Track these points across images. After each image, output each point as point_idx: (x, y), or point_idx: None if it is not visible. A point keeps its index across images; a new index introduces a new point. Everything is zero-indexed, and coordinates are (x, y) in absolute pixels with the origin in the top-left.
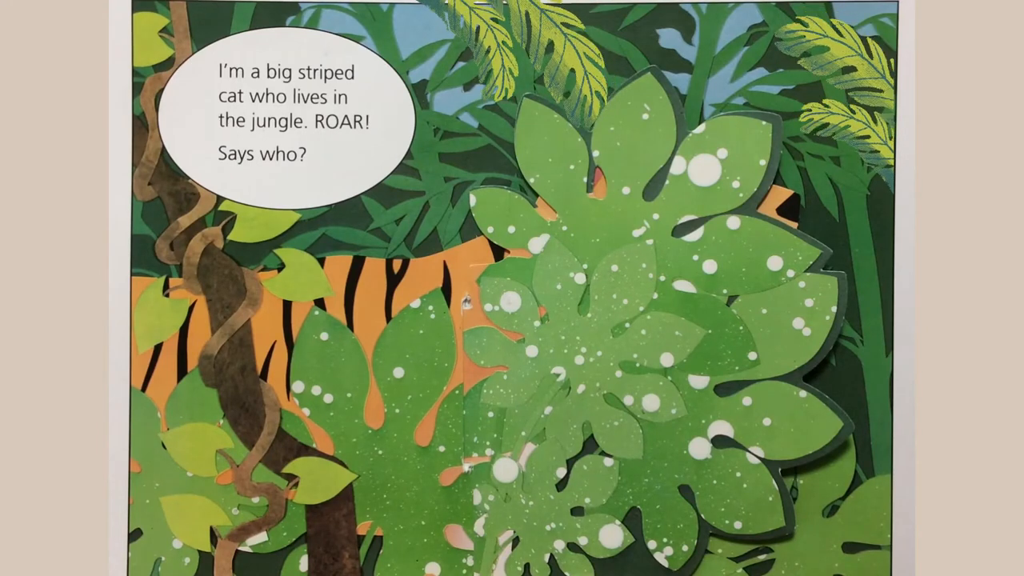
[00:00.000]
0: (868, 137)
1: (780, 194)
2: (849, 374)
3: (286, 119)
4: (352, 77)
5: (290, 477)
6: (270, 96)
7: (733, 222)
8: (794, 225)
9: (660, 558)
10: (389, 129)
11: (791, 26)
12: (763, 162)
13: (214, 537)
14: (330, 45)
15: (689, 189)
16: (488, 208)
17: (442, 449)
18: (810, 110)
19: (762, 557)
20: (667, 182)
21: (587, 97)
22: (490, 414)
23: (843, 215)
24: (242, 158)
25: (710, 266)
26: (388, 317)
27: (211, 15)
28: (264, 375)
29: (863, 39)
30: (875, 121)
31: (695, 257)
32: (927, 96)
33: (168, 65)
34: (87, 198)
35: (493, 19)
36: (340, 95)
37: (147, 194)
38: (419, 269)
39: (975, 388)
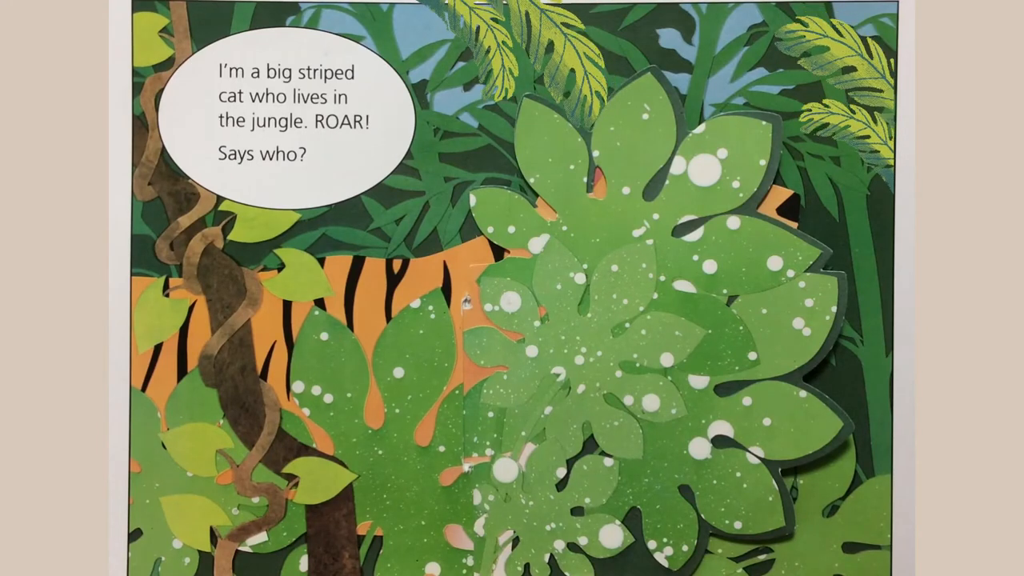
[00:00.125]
0: (868, 137)
1: (780, 194)
2: (849, 374)
3: (286, 119)
4: (352, 77)
5: (290, 477)
6: (270, 96)
7: (733, 222)
8: (794, 225)
9: (660, 558)
10: (389, 129)
11: (791, 26)
12: (763, 162)
13: (214, 537)
14: (330, 45)
15: (689, 189)
16: (488, 208)
17: (442, 449)
18: (810, 110)
19: (762, 557)
20: (667, 182)
21: (587, 97)
22: (490, 414)
23: (843, 215)
24: (242, 158)
25: (710, 266)
26: (388, 317)
27: (211, 15)
28: (264, 375)
29: (863, 39)
30: (875, 121)
31: (695, 257)
32: (927, 96)
33: (168, 65)
34: (87, 198)
35: (493, 19)
36: (340, 95)
37: (147, 194)
38: (419, 269)
39: (975, 388)
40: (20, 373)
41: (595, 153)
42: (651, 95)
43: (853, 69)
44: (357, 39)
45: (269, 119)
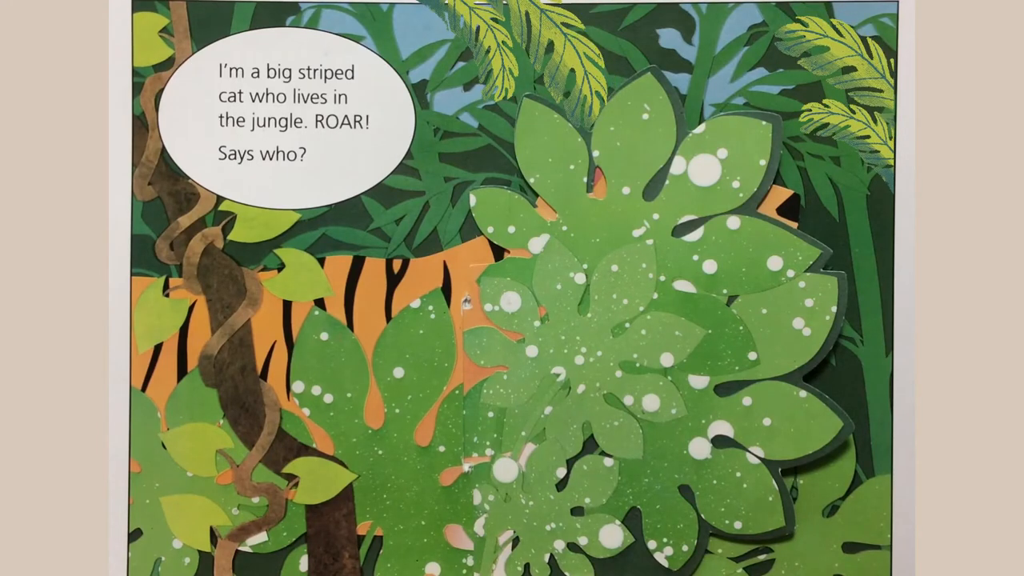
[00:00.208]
0: (868, 137)
1: (780, 194)
2: (849, 374)
3: (286, 119)
4: (352, 77)
5: (290, 477)
6: (270, 96)
7: (733, 222)
8: (794, 225)
9: (660, 558)
10: (389, 129)
11: (791, 26)
12: (763, 162)
13: (214, 537)
14: (330, 45)
15: (689, 189)
16: (488, 208)
17: (442, 449)
18: (810, 110)
19: (762, 557)
20: (667, 182)
21: (587, 97)
22: (490, 414)
23: (843, 215)
24: (242, 158)
25: (710, 266)
26: (388, 317)
27: (211, 15)
28: (264, 375)
29: (863, 39)
30: (875, 121)
31: (695, 257)
32: (927, 96)
33: (168, 65)
34: (87, 198)
35: (493, 19)
36: (340, 95)
37: (147, 194)
38: (419, 269)
39: (975, 388)
40: (20, 373)
41: (595, 153)
42: (651, 95)
43: (853, 69)
44: (357, 39)
45: (269, 119)
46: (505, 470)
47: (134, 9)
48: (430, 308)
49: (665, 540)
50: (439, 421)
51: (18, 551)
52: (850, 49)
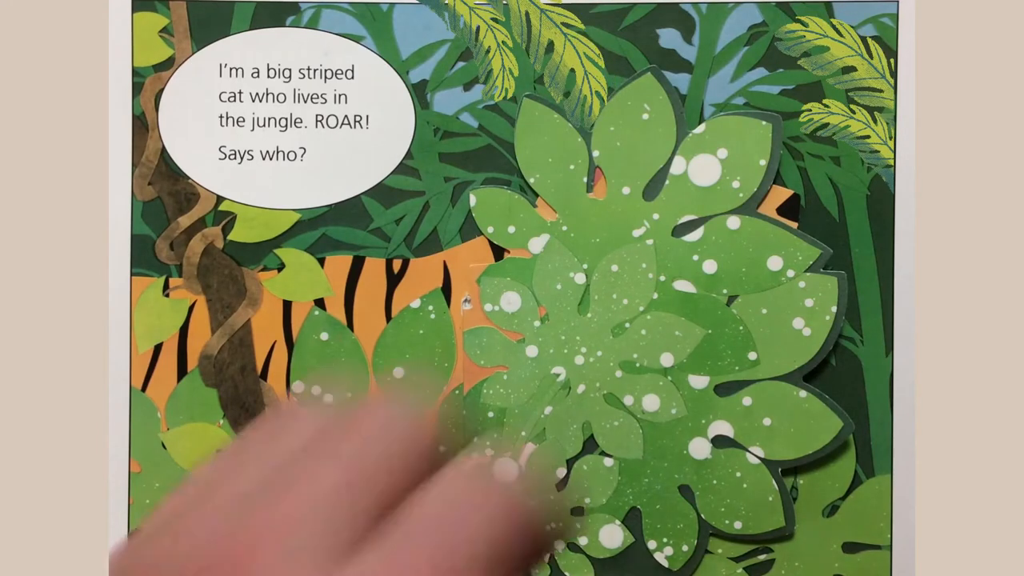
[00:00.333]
0: (868, 137)
1: (780, 194)
2: (849, 374)
3: (286, 119)
4: (352, 77)
5: None
6: (270, 96)
7: (733, 222)
8: (794, 225)
9: (660, 558)
10: (389, 129)
11: (791, 26)
12: (763, 162)
13: None
14: (330, 45)
15: (689, 189)
16: (488, 208)
17: (442, 449)
18: (810, 110)
19: (762, 557)
20: (667, 182)
21: (587, 97)
22: (490, 414)
23: (843, 215)
24: (242, 158)
25: (710, 266)
26: (388, 317)
27: (211, 15)
28: (264, 375)
29: (863, 39)
30: (875, 121)
31: (695, 257)
32: (927, 96)
33: (168, 65)
34: (87, 198)
35: (493, 19)
36: (340, 95)
37: (147, 194)
38: (419, 269)
39: (975, 388)
40: (20, 373)
41: (595, 153)
42: (651, 95)
43: (853, 69)
44: (357, 39)
45: (269, 119)
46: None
47: (134, 9)
48: (430, 308)
49: (665, 540)
50: (439, 421)
51: (18, 551)
52: (850, 49)
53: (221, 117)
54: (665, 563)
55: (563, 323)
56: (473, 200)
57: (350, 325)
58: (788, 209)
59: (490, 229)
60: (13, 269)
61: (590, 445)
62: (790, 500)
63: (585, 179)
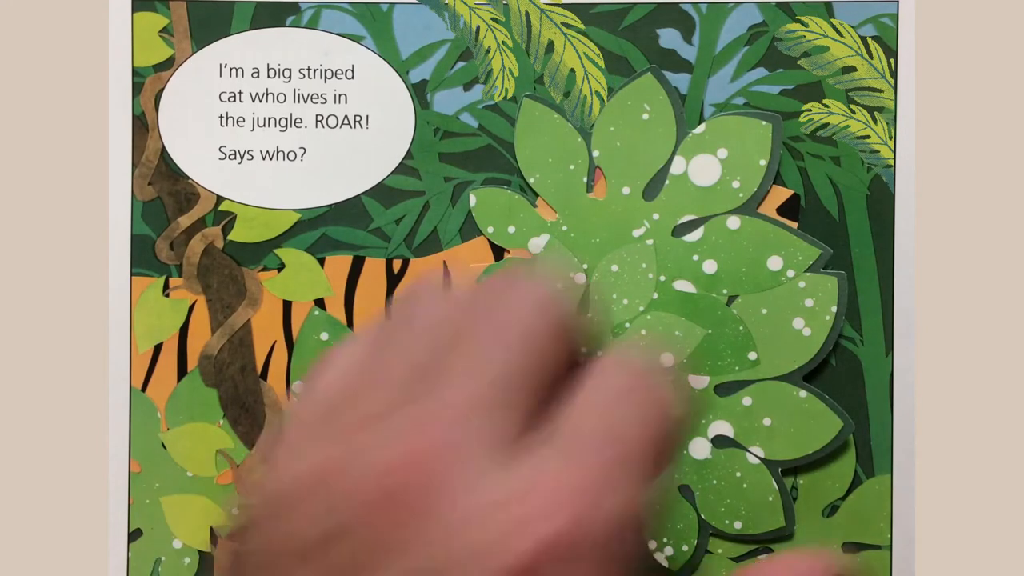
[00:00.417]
0: (868, 137)
1: (780, 194)
2: (849, 374)
3: (286, 119)
4: (352, 77)
5: None
6: (270, 96)
7: (733, 222)
8: (794, 225)
9: (660, 558)
10: (389, 129)
11: (791, 26)
12: (763, 162)
13: (214, 537)
14: (330, 45)
15: (689, 189)
16: (488, 208)
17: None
18: (810, 110)
19: (762, 557)
20: (667, 182)
21: (587, 97)
22: None
23: (843, 215)
24: (242, 158)
25: (710, 266)
26: None
27: (211, 15)
28: (264, 375)
29: (863, 39)
30: (875, 121)
31: (695, 257)
32: (927, 96)
33: (168, 65)
34: (87, 198)
35: (493, 19)
36: (340, 95)
37: (147, 194)
38: (419, 269)
39: (975, 388)
40: (20, 373)
41: (595, 153)
42: (651, 95)
43: (853, 69)
44: (357, 39)
45: (269, 119)
46: None
47: (134, 9)
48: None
49: (665, 540)
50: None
51: (18, 551)
52: (850, 49)
53: (221, 117)
54: (665, 563)
55: None
56: (473, 200)
57: (350, 325)
58: (788, 209)
59: (490, 229)
60: (14, 269)
61: None
62: (790, 500)
63: (585, 179)
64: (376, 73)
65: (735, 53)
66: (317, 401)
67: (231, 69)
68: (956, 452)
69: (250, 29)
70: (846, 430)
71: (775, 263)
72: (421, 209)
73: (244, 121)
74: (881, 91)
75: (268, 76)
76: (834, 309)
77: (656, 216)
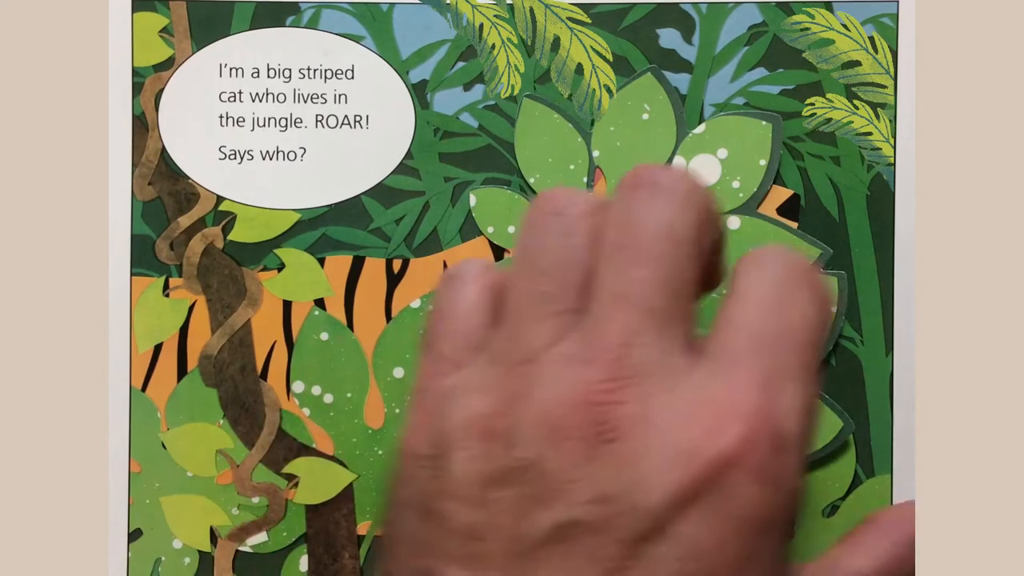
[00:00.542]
0: (870, 134)
1: (780, 194)
2: (849, 374)
3: (286, 119)
4: (352, 77)
5: (290, 477)
6: (270, 96)
7: (733, 222)
8: (794, 225)
9: None
10: (389, 129)
11: (796, 17)
12: (763, 162)
13: (214, 537)
14: (330, 45)
15: None
16: (488, 208)
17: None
18: (813, 103)
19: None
20: None
21: (595, 91)
22: None
23: (843, 215)
24: (242, 158)
25: None
26: (388, 317)
27: (211, 15)
28: (264, 375)
29: (868, 35)
30: (877, 118)
31: None
32: (928, 96)
33: (168, 65)
34: (87, 198)
35: (496, 16)
36: (340, 95)
37: (147, 194)
38: (419, 269)
39: (975, 388)
40: (20, 373)
41: (595, 153)
42: (651, 95)
43: (857, 64)
44: (357, 39)
45: (269, 119)
46: None
47: (134, 9)
48: (430, 308)
49: None
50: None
51: (18, 551)
52: (855, 43)
53: (221, 117)
54: None
55: None
56: (473, 200)
57: (350, 325)
58: (788, 209)
59: (490, 229)
60: (13, 269)
61: None
62: None
63: (585, 179)
64: (376, 73)
65: (735, 53)
66: (457, 340)
67: (231, 69)
68: (956, 452)
69: (250, 29)
70: (846, 430)
71: None
72: (421, 209)
73: (244, 121)
74: (885, 87)
75: (268, 76)
76: (834, 309)
77: None
